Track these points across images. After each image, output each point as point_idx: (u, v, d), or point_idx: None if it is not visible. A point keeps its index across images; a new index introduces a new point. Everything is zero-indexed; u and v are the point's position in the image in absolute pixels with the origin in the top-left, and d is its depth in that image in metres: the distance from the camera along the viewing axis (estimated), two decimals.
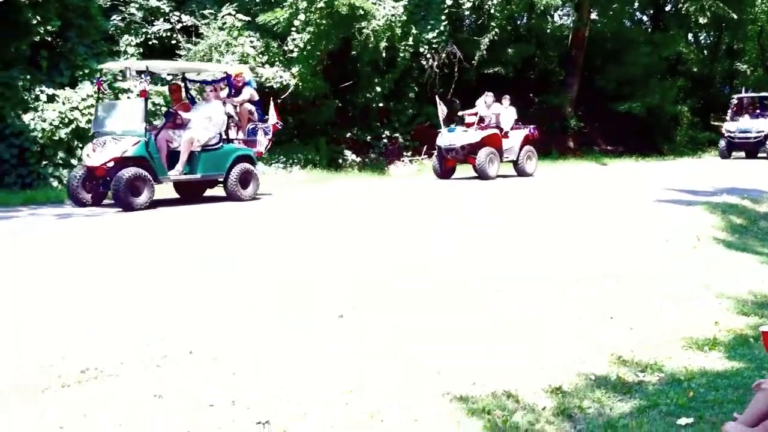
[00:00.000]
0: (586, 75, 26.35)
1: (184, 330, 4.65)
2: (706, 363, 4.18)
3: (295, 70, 17.57)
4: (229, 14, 17.23)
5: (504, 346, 4.43)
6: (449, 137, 16.07)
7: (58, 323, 4.78)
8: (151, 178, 10.91)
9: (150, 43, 17.28)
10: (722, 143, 23.66)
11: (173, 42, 17.48)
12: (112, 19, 16.89)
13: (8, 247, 7.83)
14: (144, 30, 17.25)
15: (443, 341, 4.49)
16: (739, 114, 23.90)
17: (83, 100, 14.14)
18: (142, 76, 11.73)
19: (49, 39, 14.63)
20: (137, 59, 15.81)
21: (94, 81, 13.48)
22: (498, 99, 16.99)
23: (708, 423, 3.32)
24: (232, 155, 12.08)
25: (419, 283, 5.95)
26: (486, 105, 16.69)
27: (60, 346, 4.27)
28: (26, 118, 13.76)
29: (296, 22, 17.43)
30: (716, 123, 29.99)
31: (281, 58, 17.94)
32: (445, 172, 16.50)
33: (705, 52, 35.27)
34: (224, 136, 12.23)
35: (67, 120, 13.90)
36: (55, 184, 13.63)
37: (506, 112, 16.95)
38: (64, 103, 14.10)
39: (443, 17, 20.16)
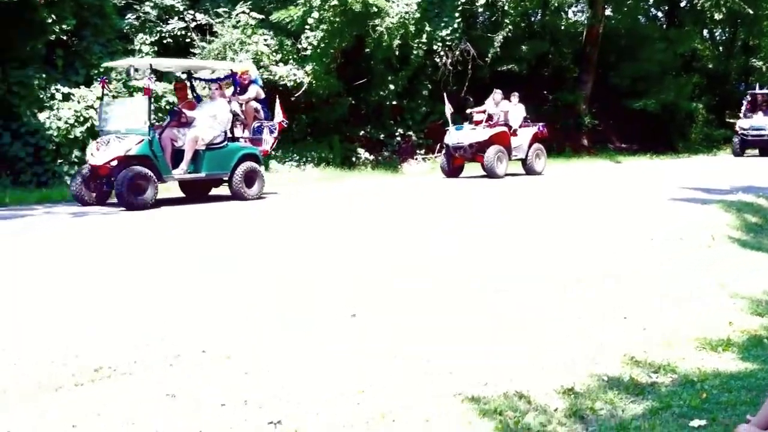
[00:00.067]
0: (600, 72, 26.24)
1: (196, 329, 4.67)
2: (719, 364, 4.15)
3: (308, 68, 17.60)
4: (243, 12, 17.27)
5: (509, 346, 4.42)
6: (457, 135, 16.01)
7: (68, 322, 4.82)
8: (154, 177, 10.89)
9: (164, 41, 17.37)
10: (736, 141, 23.48)
11: (187, 40, 17.56)
12: (126, 17, 17.00)
13: (20, 244, 7.91)
14: (158, 28, 17.34)
15: (445, 341, 4.47)
16: (753, 111, 23.69)
17: (98, 98, 14.22)
18: (153, 74, 11.74)
19: (65, 38, 14.74)
20: (152, 58, 15.88)
21: (99, 80, 13.53)
22: (507, 96, 16.92)
23: (721, 425, 3.30)
24: (236, 154, 12.05)
25: (420, 283, 5.95)
26: (494, 102, 16.61)
27: (72, 344, 4.31)
28: (42, 116, 13.89)
29: (310, 20, 17.47)
30: (731, 120, 29.79)
31: (295, 56, 17.98)
32: (452, 170, 16.43)
33: (720, 48, 35.01)
34: (229, 135, 12.20)
35: (82, 118, 14.01)
36: (69, 182, 13.71)
37: (515, 110, 16.84)
38: (79, 102, 14.21)
39: (457, 14, 20.14)
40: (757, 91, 25.19)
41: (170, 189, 12.67)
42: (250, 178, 12.12)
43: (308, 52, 17.69)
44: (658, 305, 5.37)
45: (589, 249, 7.45)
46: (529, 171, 16.76)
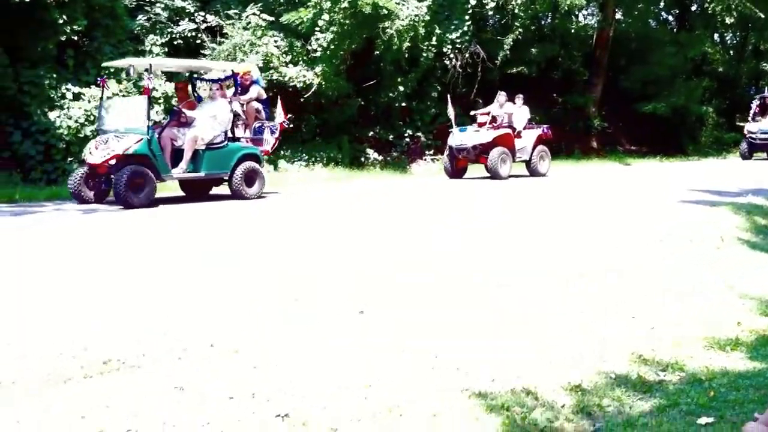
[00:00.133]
0: (610, 75, 26.20)
1: (203, 323, 4.69)
2: (727, 363, 4.14)
3: (318, 69, 17.64)
4: (254, 14, 17.33)
5: (513, 340, 4.42)
6: (461, 137, 16.02)
7: (76, 316, 4.85)
8: (153, 176, 10.91)
9: (175, 42, 17.45)
10: (743, 144, 23.41)
11: (198, 42, 17.63)
12: (137, 18, 17.09)
13: (28, 239, 7.96)
14: (169, 30, 17.43)
15: (450, 336, 4.49)
16: (762, 115, 23.59)
17: (108, 98, 14.29)
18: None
19: (76, 38, 14.82)
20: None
21: (99, 79, 13.59)
22: (511, 98, 16.90)
23: (728, 423, 3.29)
24: (236, 154, 12.07)
25: (422, 278, 5.97)
26: (498, 104, 16.61)
27: (80, 337, 4.33)
28: (52, 115, 13.98)
29: (320, 22, 17.51)
30: (741, 124, 29.69)
31: (305, 57, 18.02)
32: (456, 171, 16.43)
33: (731, 52, 34.88)
34: (230, 135, 12.22)
35: (92, 117, 14.08)
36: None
37: (519, 112, 16.83)
38: (89, 101, 14.30)
39: (467, 17, 20.16)
40: (766, 94, 25.09)
41: (170, 188, 12.71)
42: (250, 177, 12.14)
43: (318, 54, 17.73)
44: (665, 304, 5.36)
45: (594, 246, 7.44)
46: (533, 173, 16.74)
